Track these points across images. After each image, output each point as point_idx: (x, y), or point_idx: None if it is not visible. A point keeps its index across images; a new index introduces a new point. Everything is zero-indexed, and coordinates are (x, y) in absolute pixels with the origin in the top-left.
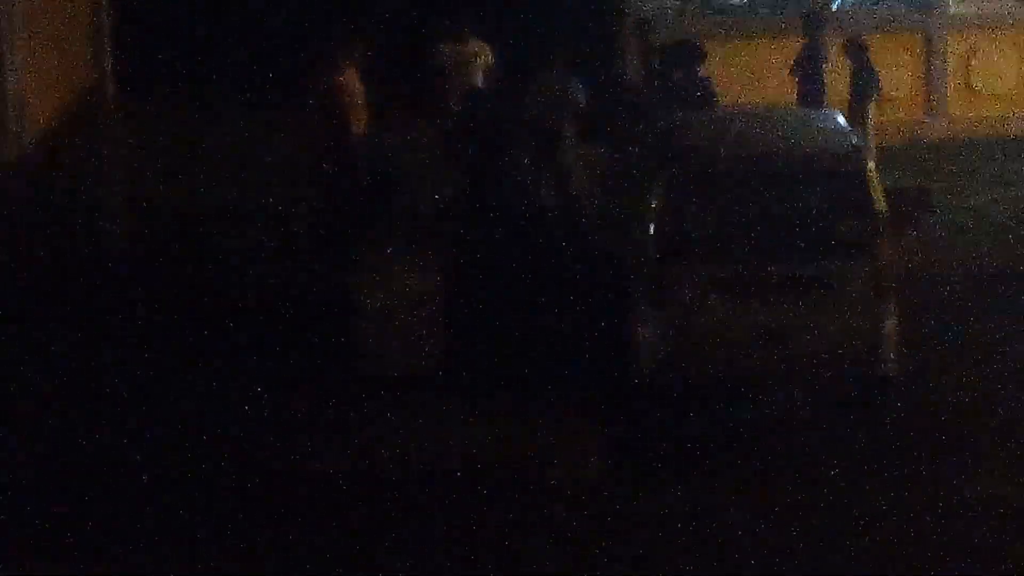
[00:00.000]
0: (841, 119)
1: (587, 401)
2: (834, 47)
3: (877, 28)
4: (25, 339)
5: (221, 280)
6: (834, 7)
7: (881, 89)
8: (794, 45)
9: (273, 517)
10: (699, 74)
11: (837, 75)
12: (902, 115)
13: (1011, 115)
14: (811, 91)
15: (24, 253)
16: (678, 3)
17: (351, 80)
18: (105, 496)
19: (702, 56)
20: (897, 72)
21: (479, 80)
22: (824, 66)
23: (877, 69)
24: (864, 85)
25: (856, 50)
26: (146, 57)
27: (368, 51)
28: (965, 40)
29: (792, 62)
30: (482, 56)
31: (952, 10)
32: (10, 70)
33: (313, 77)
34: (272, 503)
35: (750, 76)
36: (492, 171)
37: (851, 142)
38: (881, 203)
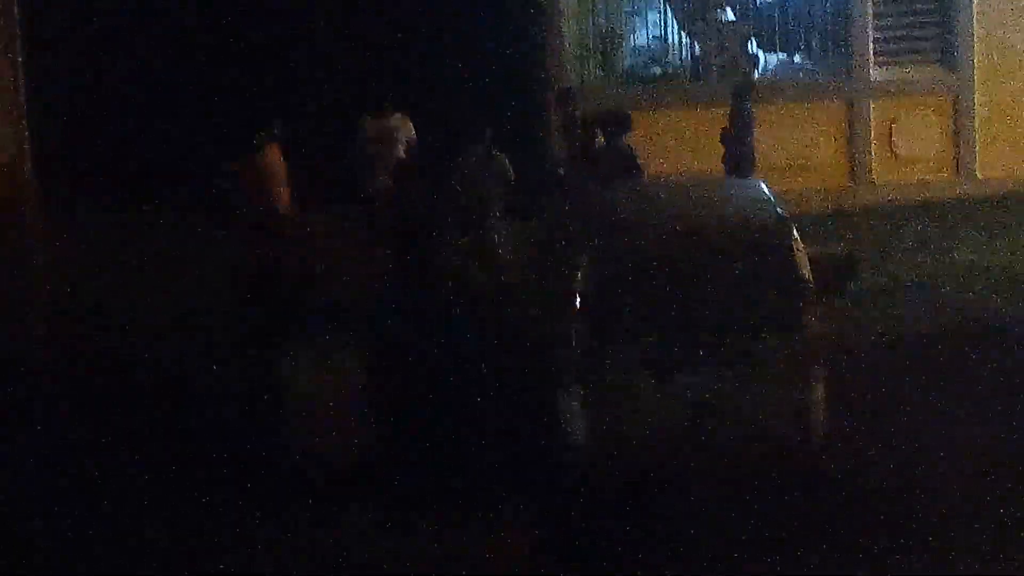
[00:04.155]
0: (765, 188)
1: (516, 487)
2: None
3: (799, 96)
4: None
5: (144, 368)
6: (755, 76)
7: None
8: (719, 115)
9: None
10: (625, 145)
11: (763, 144)
12: (826, 182)
13: (934, 180)
14: (737, 160)
15: None
16: (602, 74)
17: (272, 159)
18: None
19: (628, 127)
20: (820, 139)
21: (402, 156)
22: (749, 135)
23: None
24: None
25: None
26: (62, 143)
27: (288, 129)
28: (887, 106)
29: (720, 132)
30: (405, 131)
31: (873, 76)
32: None
33: (234, 156)
34: None
35: (675, 146)
36: (417, 249)
37: (776, 212)
38: (806, 272)
